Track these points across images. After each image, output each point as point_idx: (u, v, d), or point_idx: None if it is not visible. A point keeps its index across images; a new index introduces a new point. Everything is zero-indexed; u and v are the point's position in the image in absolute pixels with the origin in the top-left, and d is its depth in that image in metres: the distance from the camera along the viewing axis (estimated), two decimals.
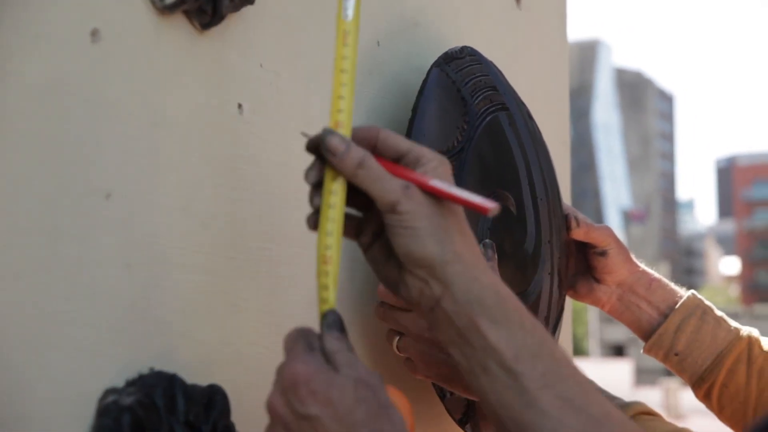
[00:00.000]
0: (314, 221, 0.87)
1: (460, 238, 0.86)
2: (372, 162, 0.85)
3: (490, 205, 0.83)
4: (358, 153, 0.85)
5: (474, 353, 0.85)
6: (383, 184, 0.84)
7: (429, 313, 0.86)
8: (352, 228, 0.91)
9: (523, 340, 0.84)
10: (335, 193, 0.86)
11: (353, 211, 0.90)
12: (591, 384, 0.87)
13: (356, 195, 0.87)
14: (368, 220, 0.90)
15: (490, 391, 0.85)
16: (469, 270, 0.85)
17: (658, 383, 23.79)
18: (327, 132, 0.85)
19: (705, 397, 1.39)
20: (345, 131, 0.86)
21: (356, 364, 0.81)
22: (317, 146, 0.86)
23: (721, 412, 1.38)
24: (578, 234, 1.38)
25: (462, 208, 0.87)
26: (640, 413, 1.01)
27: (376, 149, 0.88)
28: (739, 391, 1.35)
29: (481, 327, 0.84)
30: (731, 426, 1.39)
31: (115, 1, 0.85)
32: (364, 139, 0.87)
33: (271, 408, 0.80)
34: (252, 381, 0.98)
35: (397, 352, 1.12)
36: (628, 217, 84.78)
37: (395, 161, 0.87)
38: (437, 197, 0.85)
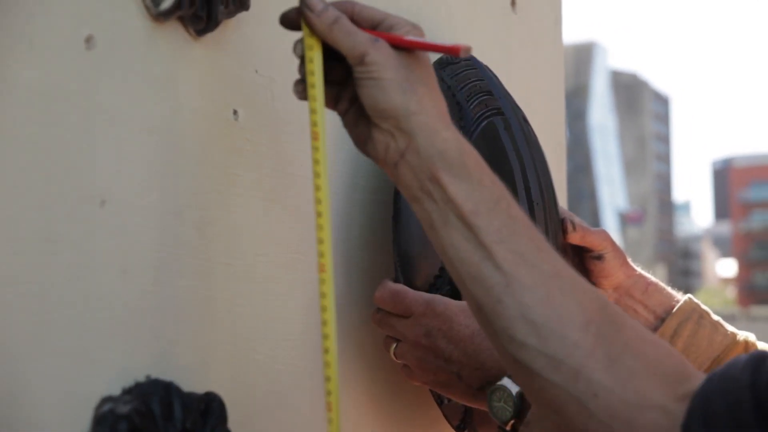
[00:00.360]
0: (302, 90, 0.93)
1: (425, 90, 0.89)
2: (345, 20, 0.89)
3: (461, 45, 0.88)
4: (334, 12, 0.89)
5: (435, 207, 0.88)
6: (354, 37, 0.88)
7: (393, 168, 0.89)
8: (330, 99, 0.94)
9: (481, 194, 0.87)
10: (313, 61, 0.90)
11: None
12: (544, 242, 0.90)
13: (334, 68, 0.92)
14: (345, 89, 0.93)
15: (449, 245, 0.88)
16: (432, 122, 0.88)
17: None
18: None
19: None
20: None
21: None
22: (294, 18, 0.91)
23: None
24: (574, 238, 1.38)
25: (431, 66, 0.91)
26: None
27: (352, 20, 0.91)
28: None
29: (443, 180, 0.87)
30: None
31: (109, 8, 0.84)
32: (342, 11, 0.91)
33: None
34: (249, 388, 0.98)
35: (394, 359, 1.12)
36: (625, 219, 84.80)
37: (371, 29, 0.91)
38: (408, 50, 0.89)
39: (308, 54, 0.90)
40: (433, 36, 1.33)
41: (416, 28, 0.91)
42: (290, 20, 0.92)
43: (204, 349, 0.93)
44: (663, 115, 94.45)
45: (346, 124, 0.94)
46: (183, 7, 0.89)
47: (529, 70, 1.63)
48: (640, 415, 0.83)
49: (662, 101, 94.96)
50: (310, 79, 0.90)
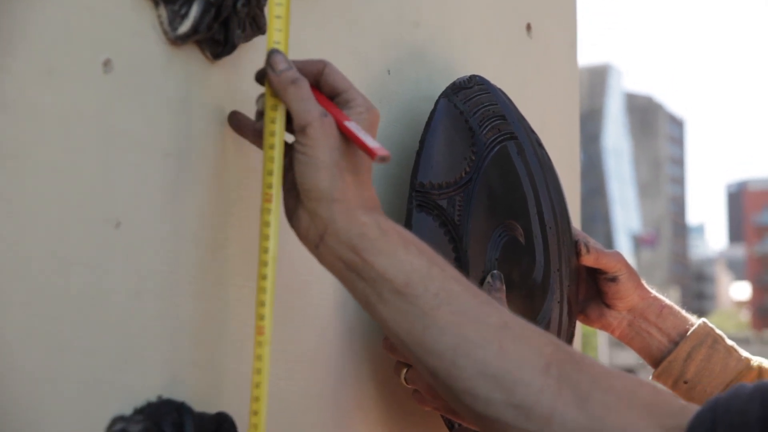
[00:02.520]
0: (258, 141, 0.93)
1: (352, 180, 0.90)
2: (304, 85, 0.89)
3: (380, 151, 0.88)
4: (294, 74, 0.89)
5: (366, 285, 0.88)
6: (305, 104, 0.88)
7: (315, 249, 0.90)
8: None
9: (411, 265, 0.88)
10: (275, 121, 0.90)
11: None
12: (485, 296, 0.90)
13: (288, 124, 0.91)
14: (289, 148, 0.93)
15: (390, 320, 0.89)
16: (351, 210, 0.89)
17: None
18: (273, 50, 0.91)
19: None
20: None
21: None
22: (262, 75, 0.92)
23: None
24: (588, 260, 1.38)
25: (370, 161, 0.92)
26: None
27: (318, 83, 0.93)
28: None
29: (367, 259, 0.88)
30: None
31: (127, 32, 0.85)
32: (309, 72, 0.92)
33: None
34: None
35: (405, 384, 1.12)
36: (638, 242, 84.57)
37: (330, 98, 0.92)
38: (348, 138, 0.90)
39: (270, 114, 0.91)
40: (447, 62, 1.33)
41: (370, 111, 0.92)
42: (261, 77, 0.93)
43: (216, 370, 0.93)
44: (678, 138, 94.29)
45: (284, 186, 0.93)
46: (200, 31, 0.90)
47: (543, 93, 1.63)
48: None
49: (677, 124, 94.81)
50: (269, 139, 0.90)
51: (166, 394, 0.87)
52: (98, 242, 0.82)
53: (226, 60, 0.95)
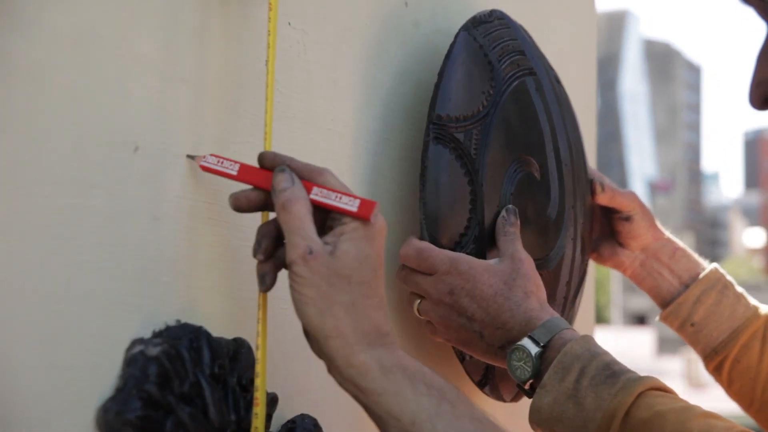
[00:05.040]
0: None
1: (345, 313, 0.86)
2: (296, 208, 0.86)
3: (366, 209, 0.86)
4: (291, 194, 0.86)
5: (374, 417, 0.86)
6: (293, 237, 0.85)
7: (329, 372, 0.87)
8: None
9: (417, 404, 0.85)
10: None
11: None
12: (495, 426, 0.89)
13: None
14: None
15: None
16: (349, 346, 0.85)
17: (679, 353, 23.79)
18: (279, 169, 0.88)
19: (715, 370, 1.40)
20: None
21: None
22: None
23: (730, 387, 1.39)
24: (603, 199, 1.38)
25: (364, 271, 0.87)
26: (651, 389, 1.01)
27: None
28: (750, 368, 1.36)
29: (370, 397, 0.86)
30: (737, 400, 1.40)
31: None
32: (307, 177, 0.89)
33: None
34: (276, 335, 0.99)
35: (418, 315, 1.13)
36: (653, 188, 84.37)
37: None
38: (333, 254, 0.86)
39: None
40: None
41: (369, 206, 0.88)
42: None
43: (233, 297, 0.94)
44: (694, 85, 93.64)
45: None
46: None
47: (562, 33, 1.63)
48: None
49: (694, 70, 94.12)
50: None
51: (184, 318, 0.88)
52: (116, 166, 0.82)
53: None
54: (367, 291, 0.88)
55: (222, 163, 0.89)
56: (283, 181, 0.87)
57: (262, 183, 0.89)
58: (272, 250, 0.89)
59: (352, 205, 0.86)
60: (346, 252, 0.86)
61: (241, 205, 0.90)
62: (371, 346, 0.87)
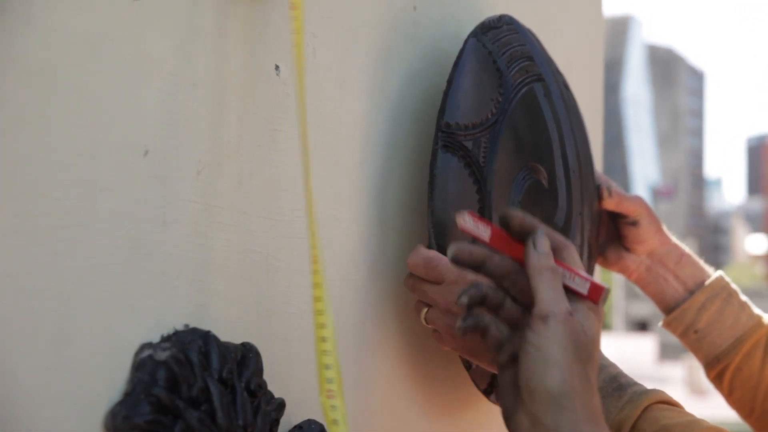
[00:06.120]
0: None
1: (581, 386, 0.83)
2: (559, 276, 0.86)
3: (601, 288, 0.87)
4: (553, 262, 0.86)
5: None
6: (557, 294, 0.84)
7: None
8: (494, 342, 0.89)
9: None
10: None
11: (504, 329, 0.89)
12: None
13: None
14: (511, 340, 0.88)
15: None
16: (577, 423, 0.81)
17: (681, 359, 23.77)
18: (540, 231, 0.88)
19: (717, 377, 1.40)
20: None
21: None
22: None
23: (731, 395, 1.39)
24: (610, 204, 1.38)
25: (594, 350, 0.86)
26: (658, 402, 1.01)
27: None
28: (752, 376, 1.36)
29: None
30: (737, 409, 1.40)
31: None
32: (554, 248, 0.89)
33: None
34: (284, 341, 0.99)
35: (425, 324, 1.12)
36: (656, 194, 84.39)
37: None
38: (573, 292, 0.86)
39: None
40: (470, 1, 1.33)
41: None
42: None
43: (241, 301, 0.94)
44: (697, 90, 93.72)
45: (501, 382, 0.87)
46: None
47: (569, 38, 1.63)
48: None
49: (697, 76, 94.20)
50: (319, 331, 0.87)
51: (192, 323, 0.88)
52: (126, 169, 0.82)
53: None
54: (595, 370, 0.86)
55: (477, 225, 0.90)
56: (547, 246, 0.87)
57: (514, 253, 0.89)
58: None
59: (583, 287, 0.87)
60: (589, 327, 0.85)
61: (462, 259, 0.89)
62: (597, 425, 0.82)
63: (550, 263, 0.86)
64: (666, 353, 28.81)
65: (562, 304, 0.84)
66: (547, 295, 0.84)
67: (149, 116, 0.84)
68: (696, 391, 18.46)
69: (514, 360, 0.86)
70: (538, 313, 0.83)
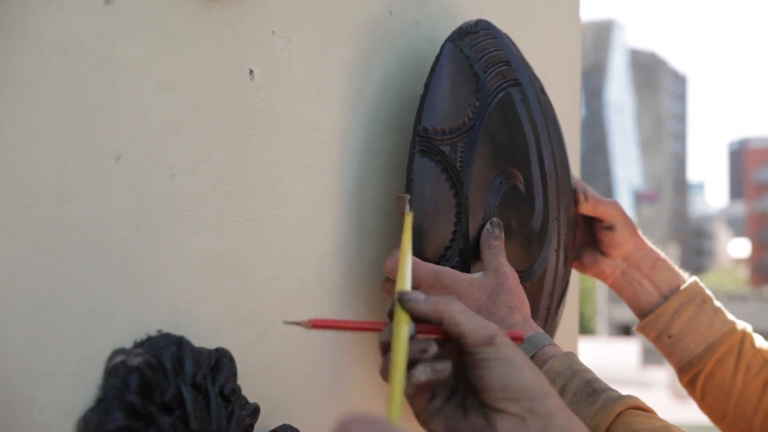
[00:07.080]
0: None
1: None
2: (454, 305, 0.87)
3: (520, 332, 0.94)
4: (442, 300, 0.88)
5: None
6: (477, 321, 0.87)
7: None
8: (422, 397, 0.90)
9: None
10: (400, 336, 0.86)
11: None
12: None
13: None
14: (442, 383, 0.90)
15: None
16: (563, 404, 0.87)
17: (665, 364, 23.82)
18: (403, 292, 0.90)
19: (689, 383, 1.40)
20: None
21: None
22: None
23: (702, 400, 1.40)
24: (586, 208, 1.39)
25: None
26: (631, 407, 1.01)
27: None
28: (724, 382, 1.37)
29: None
30: (709, 414, 1.40)
31: None
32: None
33: None
34: (258, 345, 0.99)
35: None
36: (639, 198, 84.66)
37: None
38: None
39: (398, 329, 0.86)
40: (451, 4, 1.33)
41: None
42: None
43: (215, 306, 0.94)
44: (680, 95, 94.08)
45: (444, 421, 0.89)
46: None
47: (546, 42, 1.63)
48: None
49: (680, 80, 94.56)
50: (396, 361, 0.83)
51: (166, 328, 0.87)
52: (99, 175, 0.81)
53: None
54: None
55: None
56: (421, 300, 0.88)
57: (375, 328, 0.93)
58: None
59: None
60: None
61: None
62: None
63: (451, 303, 0.88)
64: (649, 358, 28.85)
65: (490, 324, 0.87)
66: (472, 323, 0.86)
67: (122, 121, 0.84)
68: (679, 395, 18.48)
69: (454, 390, 0.89)
70: (479, 341, 0.86)
